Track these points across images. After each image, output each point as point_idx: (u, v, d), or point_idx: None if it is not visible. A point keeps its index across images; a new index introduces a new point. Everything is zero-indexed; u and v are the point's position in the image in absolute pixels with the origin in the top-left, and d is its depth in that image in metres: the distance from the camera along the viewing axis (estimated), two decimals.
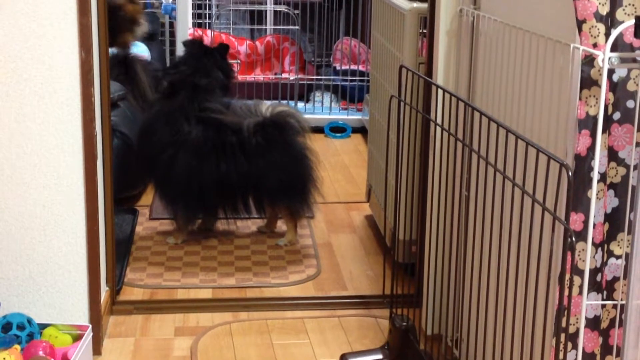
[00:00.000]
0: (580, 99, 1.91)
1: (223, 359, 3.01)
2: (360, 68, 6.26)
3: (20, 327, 2.77)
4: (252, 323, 3.28)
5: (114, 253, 3.29)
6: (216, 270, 3.69)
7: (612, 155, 1.97)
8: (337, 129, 5.99)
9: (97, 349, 2.99)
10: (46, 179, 2.86)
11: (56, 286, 2.94)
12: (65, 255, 2.92)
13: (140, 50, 5.30)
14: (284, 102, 6.03)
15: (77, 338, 2.86)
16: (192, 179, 3.78)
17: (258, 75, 6.35)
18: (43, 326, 2.86)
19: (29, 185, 2.86)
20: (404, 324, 2.87)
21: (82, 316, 2.98)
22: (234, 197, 3.87)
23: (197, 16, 6.74)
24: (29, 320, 2.81)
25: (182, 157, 3.77)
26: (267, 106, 3.88)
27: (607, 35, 1.89)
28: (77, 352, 2.75)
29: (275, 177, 3.79)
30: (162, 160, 3.81)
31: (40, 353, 2.69)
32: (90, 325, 2.92)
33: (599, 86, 1.88)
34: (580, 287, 1.96)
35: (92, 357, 2.93)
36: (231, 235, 4.08)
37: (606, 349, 2.05)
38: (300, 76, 6.28)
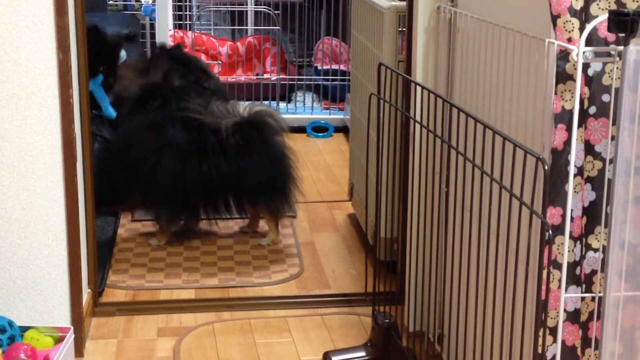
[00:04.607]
0: (555, 93, 1.93)
1: (206, 359, 3.01)
2: (342, 67, 6.26)
3: (1, 330, 2.76)
4: (235, 323, 3.28)
5: (96, 255, 3.28)
6: (199, 271, 3.69)
7: (589, 149, 1.99)
8: (319, 129, 5.99)
9: (79, 351, 2.98)
10: (25, 181, 2.85)
11: (37, 288, 2.93)
12: (46, 258, 2.91)
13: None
14: (266, 102, 6.03)
15: (58, 340, 2.85)
16: (176, 181, 3.77)
17: (240, 76, 6.35)
18: (24, 329, 2.85)
19: (8, 188, 2.84)
20: (387, 321, 2.88)
21: (63, 318, 2.97)
22: (215, 197, 3.86)
23: (177, 17, 6.73)
24: (10, 323, 2.80)
25: (166, 160, 3.76)
26: (244, 106, 3.88)
27: (582, 29, 1.90)
28: (59, 355, 2.74)
29: (254, 176, 3.78)
30: (146, 167, 3.80)
31: (22, 356, 2.67)
32: (72, 327, 2.92)
33: (574, 80, 1.90)
34: (560, 280, 1.97)
35: (74, 359, 2.92)
36: (214, 236, 4.07)
37: (586, 341, 2.06)
38: (281, 76, 6.28)
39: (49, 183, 2.87)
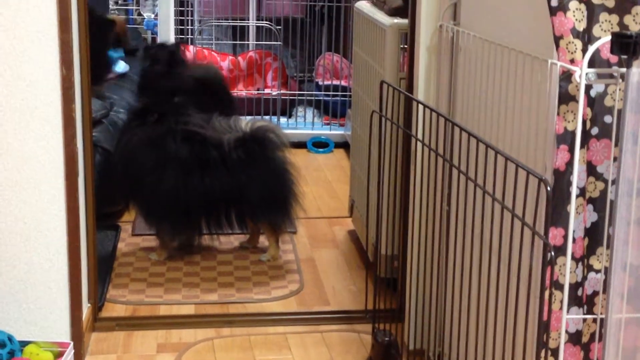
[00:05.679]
0: (558, 114, 1.93)
1: None
2: (343, 83, 6.27)
3: (1, 345, 2.75)
4: (235, 339, 3.27)
5: (96, 269, 3.27)
6: (199, 286, 3.68)
7: (591, 170, 1.99)
8: (320, 144, 6.00)
9: None
10: (27, 195, 2.85)
11: (37, 303, 2.92)
12: (46, 272, 2.91)
13: (119, 67, 5.30)
14: (267, 117, 6.04)
15: (58, 355, 2.84)
16: (178, 195, 3.78)
17: (241, 91, 6.36)
18: (24, 343, 2.84)
19: (10, 202, 2.84)
20: (387, 338, 2.87)
21: (63, 333, 2.97)
22: (217, 212, 3.86)
23: (179, 32, 6.74)
24: (10, 338, 2.79)
25: (168, 175, 3.77)
26: (246, 122, 3.89)
27: (584, 51, 1.91)
28: None
29: (256, 191, 3.79)
30: (148, 181, 3.80)
31: None
32: (72, 342, 2.91)
33: (577, 101, 1.90)
34: (561, 301, 1.97)
35: None
36: (214, 251, 4.07)
37: None
38: (282, 91, 6.29)
39: (51, 197, 2.87)
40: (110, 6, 6.73)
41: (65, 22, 2.77)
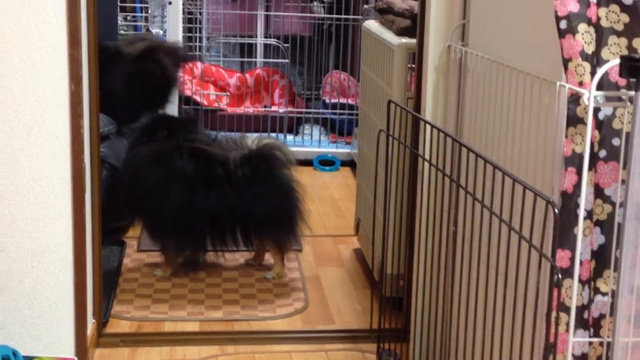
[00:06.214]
0: (566, 136, 1.93)
1: None
2: (350, 101, 6.28)
3: None
4: (240, 356, 3.26)
5: (101, 285, 3.27)
6: (204, 303, 3.68)
7: (598, 192, 1.99)
8: (326, 162, 6.00)
9: None
10: (34, 211, 2.86)
11: (42, 318, 2.92)
12: (52, 287, 2.91)
13: None
14: (273, 134, 6.05)
15: None
16: (183, 212, 3.78)
17: (248, 108, 6.37)
18: (28, 358, 2.85)
19: (17, 217, 2.85)
20: (391, 358, 2.87)
21: (68, 349, 2.96)
22: (222, 229, 3.87)
23: (187, 48, 6.76)
24: (15, 353, 2.79)
25: (173, 191, 3.77)
26: (252, 139, 3.90)
27: (593, 73, 1.91)
28: None
29: (262, 209, 3.79)
30: (154, 197, 3.81)
31: None
32: (76, 358, 2.91)
33: (585, 124, 1.90)
34: (567, 324, 1.96)
35: None
36: (219, 268, 4.07)
37: None
38: (289, 109, 6.30)
39: (58, 213, 2.87)
40: (119, 22, 6.76)
41: (75, 38, 2.79)
